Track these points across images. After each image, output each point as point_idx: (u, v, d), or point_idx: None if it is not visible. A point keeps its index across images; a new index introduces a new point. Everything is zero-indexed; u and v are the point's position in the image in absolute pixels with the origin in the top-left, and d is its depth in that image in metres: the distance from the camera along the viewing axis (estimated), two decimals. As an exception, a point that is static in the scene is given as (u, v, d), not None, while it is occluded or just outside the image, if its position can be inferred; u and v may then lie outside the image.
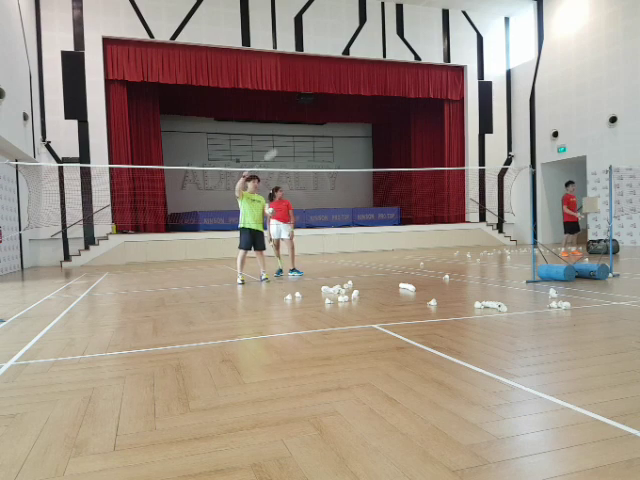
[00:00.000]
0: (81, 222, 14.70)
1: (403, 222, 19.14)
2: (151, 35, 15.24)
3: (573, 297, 5.26)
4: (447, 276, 7.58)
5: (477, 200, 18.97)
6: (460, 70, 18.93)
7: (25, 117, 12.39)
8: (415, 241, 17.94)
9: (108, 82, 15.22)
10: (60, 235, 14.59)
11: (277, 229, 8.75)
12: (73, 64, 14.65)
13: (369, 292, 6.19)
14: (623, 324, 3.84)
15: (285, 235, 8.75)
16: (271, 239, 8.74)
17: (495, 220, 19.29)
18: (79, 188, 14.34)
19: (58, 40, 14.55)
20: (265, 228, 8.27)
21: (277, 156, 22.49)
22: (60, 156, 14.57)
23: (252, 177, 7.88)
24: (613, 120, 15.24)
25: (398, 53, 17.85)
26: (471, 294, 5.84)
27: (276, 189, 8.93)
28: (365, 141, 24.46)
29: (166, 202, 16.97)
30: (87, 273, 11.41)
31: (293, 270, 8.80)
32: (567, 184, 11.48)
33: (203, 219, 16.71)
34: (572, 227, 11.35)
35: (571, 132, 16.86)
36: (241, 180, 7.61)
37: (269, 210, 8.04)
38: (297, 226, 15.22)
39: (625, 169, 14.39)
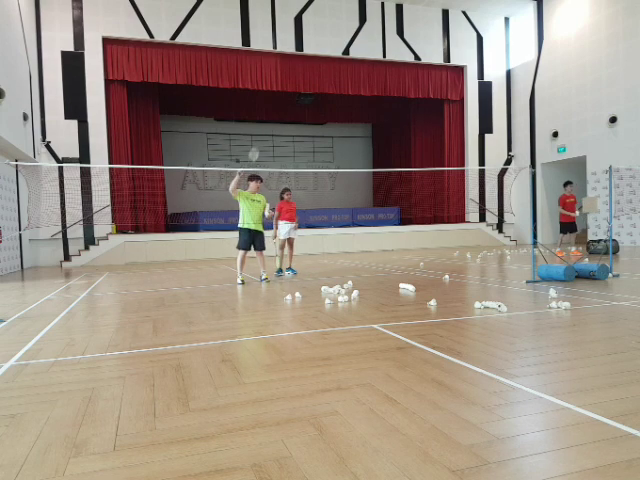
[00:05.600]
0: (81, 222, 14.70)
1: (403, 222, 19.16)
2: (151, 35, 15.24)
3: (573, 297, 5.26)
4: (447, 276, 7.58)
5: (477, 200, 18.97)
6: (460, 70, 18.94)
7: (25, 117, 12.39)
8: (415, 241, 17.94)
9: (108, 82, 15.22)
10: (60, 235, 14.59)
11: (289, 228, 8.88)
12: (73, 64, 14.65)
13: (369, 292, 6.19)
14: (623, 324, 3.84)
15: (294, 234, 8.96)
16: (276, 238, 8.84)
17: (495, 220, 19.30)
18: (79, 188, 14.35)
19: (58, 40, 14.55)
20: (268, 228, 8.31)
21: (277, 156, 22.49)
22: (60, 156, 14.57)
23: (254, 177, 7.85)
24: (613, 120, 15.24)
25: (398, 53, 17.85)
26: (471, 294, 5.84)
27: (284, 191, 9.10)
28: (365, 141, 24.46)
29: (166, 202, 16.97)
30: (87, 273, 11.40)
31: (289, 268, 9.04)
32: (565, 184, 11.48)
33: (203, 219, 16.71)
34: (567, 227, 11.35)
35: (571, 132, 16.86)
36: (236, 178, 7.53)
37: (268, 214, 8.04)
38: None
39: (625, 169, 14.39)
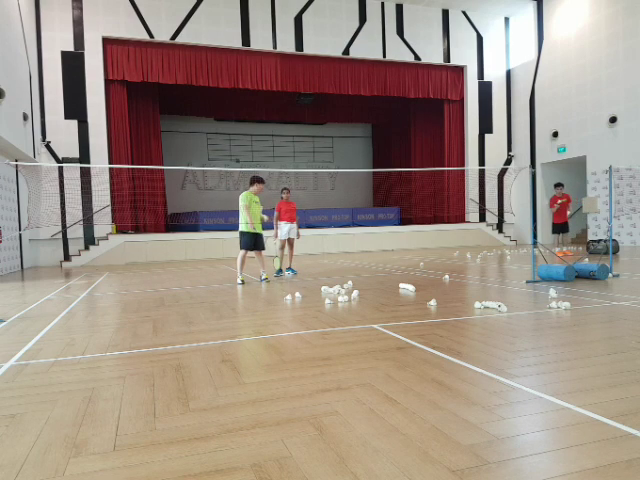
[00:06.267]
0: (81, 222, 14.70)
1: (403, 222, 19.16)
2: (151, 35, 15.24)
3: (573, 297, 5.26)
4: (447, 276, 7.58)
5: (477, 200, 18.97)
6: (460, 70, 18.93)
7: (25, 117, 12.39)
8: (415, 241, 17.95)
9: (108, 82, 15.22)
10: (60, 235, 14.59)
11: (289, 229, 8.86)
12: (73, 64, 14.65)
13: (369, 292, 6.19)
14: (623, 324, 3.84)
15: (294, 234, 8.95)
16: (277, 238, 8.82)
17: (495, 220, 19.30)
18: (79, 188, 14.35)
19: (58, 40, 14.55)
20: (268, 228, 8.31)
21: (277, 156, 22.51)
22: (60, 156, 14.57)
23: (260, 180, 7.85)
24: (613, 120, 15.23)
25: (398, 53, 17.85)
26: (471, 294, 5.84)
27: (282, 190, 9.10)
28: (365, 141, 24.46)
29: (166, 202, 16.97)
30: (87, 273, 11.40)
31: (289, 268, 9.04)
32: (555, 186, 11.51)
33: (203, 219, 16.71)
34: (559, 228, 11.40)
35: (571, 132, 16.86)
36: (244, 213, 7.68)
37: (267, 217, 8.03)
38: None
39: (625, 169, 14.39)
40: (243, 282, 7.69)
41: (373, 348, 3.32)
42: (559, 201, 11.40)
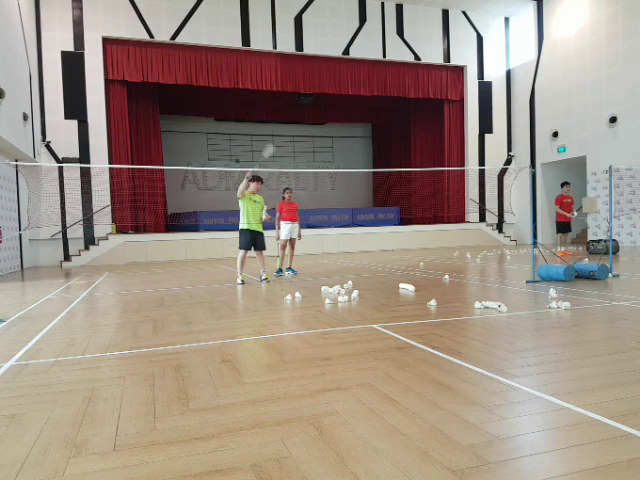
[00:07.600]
0: (81, 222, 14.70)
1: (403, 222, 19.16)
2: (151, 35, 15.24)
3: (573, 297, 5.26)
4: (447, 276, 7.58)
5: (477, 200, 18.97)
6: (460, 70, 18.93)
7: (25, 117, 12.38)
8: (415, 241, 17.95)
9: (108, 82, 15.22)
10: (60, 235, 14.59)
11: (291, 229, 8.85)
12: (73, 64, 14.65)
13: (369, 292, 6.19)
14: (623, 324, 3.84)
15: (296, 235, 8.95)
16: (279, 238, 8.82)
17: (495, 220, 19.30)
18: (79, 188, 14.34)
19: (58, 40, 14.56)
20: (269, 228, 8.29)
21: (277, 156, 22.49)
22: (60, 156, 14.57)
23: (255, 178, 7.86)
24: (613, 120, 15.23)
25: (398, 53, 17.85)
26: (471, 294, 5.84)
27: (284, 191, 9.09)
28: (365, 141, 24.46)
29: (166, 202, 16.97)
30: (87, 273, 11.40)
31: (289, 268, 9.02)
32: (562, 185, 11.54)
33: (203, 219, 16.72)
34: (564, 227, 11.45)
35: (571, 132, 16.86)
36: (244, 182, 7.59)
37: (266, 217, 8.01)
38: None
39: (625, 169, 14.39)
40: (243, 282, 7.69)
41: (373, 348, 3.32)
42: (572, 213, 11.26)
